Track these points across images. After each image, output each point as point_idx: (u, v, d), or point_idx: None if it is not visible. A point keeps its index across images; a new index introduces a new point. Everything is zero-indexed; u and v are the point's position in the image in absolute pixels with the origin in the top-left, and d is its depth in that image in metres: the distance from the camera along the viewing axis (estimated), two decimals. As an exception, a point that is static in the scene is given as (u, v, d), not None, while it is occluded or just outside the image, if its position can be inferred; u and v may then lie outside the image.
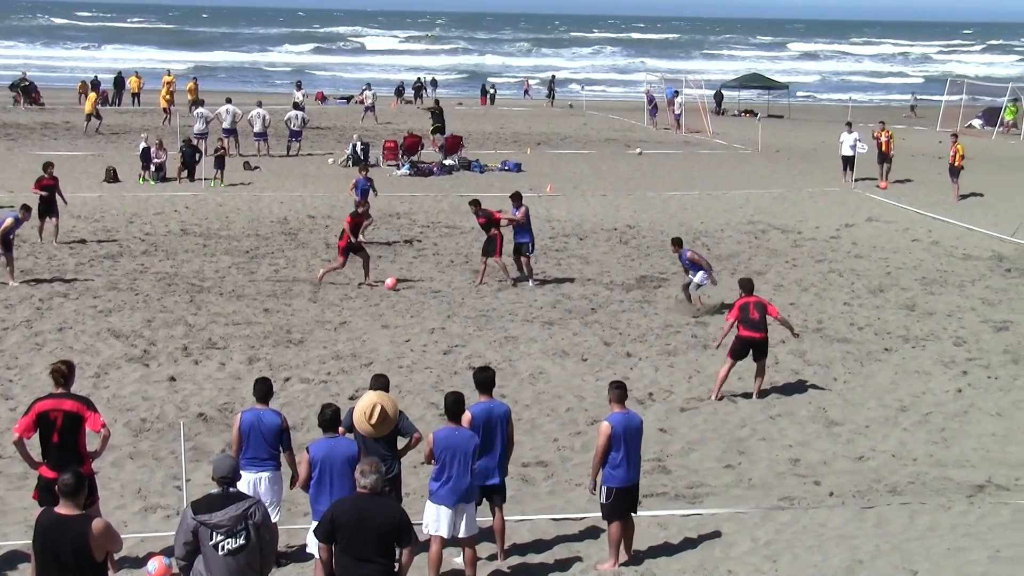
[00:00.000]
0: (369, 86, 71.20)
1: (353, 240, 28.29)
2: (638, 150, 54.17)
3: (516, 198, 29.13)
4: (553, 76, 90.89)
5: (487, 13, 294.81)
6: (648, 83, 78.01)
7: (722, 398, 21.09)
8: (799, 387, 21.84)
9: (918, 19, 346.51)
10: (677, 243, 27.31)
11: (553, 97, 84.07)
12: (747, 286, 21.77)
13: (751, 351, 21.21)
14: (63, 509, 10.32)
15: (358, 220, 28.82)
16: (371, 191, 33.27)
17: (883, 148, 45.67)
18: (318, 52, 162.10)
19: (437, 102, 59.62)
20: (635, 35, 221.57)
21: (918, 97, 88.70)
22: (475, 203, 29.46)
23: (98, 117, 56.09)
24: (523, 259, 29.12)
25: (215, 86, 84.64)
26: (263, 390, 14.26)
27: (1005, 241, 35.36)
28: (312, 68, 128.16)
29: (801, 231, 36.44)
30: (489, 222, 28.79)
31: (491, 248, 28.66)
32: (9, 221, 27.33)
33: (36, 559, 10.60)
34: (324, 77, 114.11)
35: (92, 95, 58.77)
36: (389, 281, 28.23)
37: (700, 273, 26.62)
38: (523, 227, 28.88)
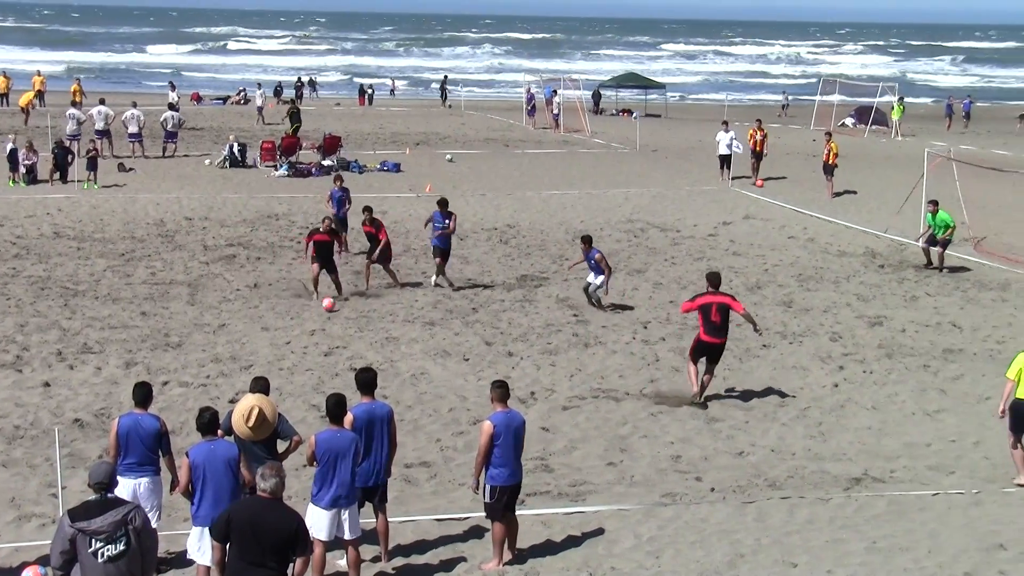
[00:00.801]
0: (260, 86, 70.82)
1: (315, 257, 26.81)
2: (448, 156, 51.80)
3: (443, 204, 28.82)
4: (445, 76, 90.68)
5: (364, 13, 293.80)
6: (527, 83, 78.23)
7: (705, 402, 20.90)
8: (679, 383, 21.99)
9: (792, 19, 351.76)
10: (587, 241, 26.88)
11: (446, 97, 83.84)
12: (714, 280, 21.07)
13: (707, 354, 20.92)
14: None
15: (324, 238, 26.81)
16: (346, 201, 31.88)
17: (757, 147, 46.23)
18: (193, 52, 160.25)
19: (293, 102, 59.29)
20: (512, 35, 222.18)
21: (789, 97, 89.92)
22: (368, 210, 28.64)
23: None
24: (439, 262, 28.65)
25: (87, 87, 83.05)
26: (142, 394, 14.03)
27: (878, 237, 35.99)
28: (186, 68, 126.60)
29: (679, 229, 36.76)
30: (376, 234, 28.17)
31: (384, 255, 28.26)
32: None
33: None
34: (200, 77, 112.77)
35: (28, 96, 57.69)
36: (326, 302, 26.47)
37: (600, 277, 26.50)
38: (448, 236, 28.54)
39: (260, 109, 65.36)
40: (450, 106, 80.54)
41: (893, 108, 69.38)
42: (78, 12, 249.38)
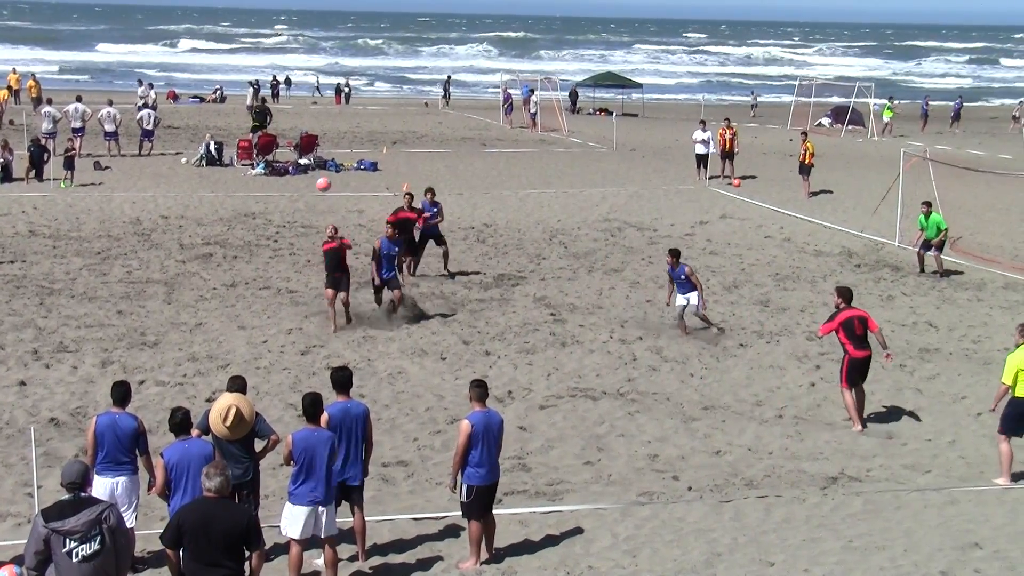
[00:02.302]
0: (249, 83, 70.86)
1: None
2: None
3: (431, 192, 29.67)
4: (449, 76, 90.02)
5: (339, 11, 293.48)
6: (504, 82, 78.17)
7: (865, 425, 20.06)
8: (656, 383, 22.03)
9: (770, 19, 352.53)
10: (676, 255, 24.98)
11: (448, 97, 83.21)
12: (848, 295, 20.27)
13: (861, 371, 20.08)
14: None
15: (331, 245, 24.51)
16: (439, 216, 29.71)
17: (727, 146, 46.20)
18: (169, 51, 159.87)
19: (264, 101, 59.17)
20: (489, 34, 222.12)
21: (758, 96, 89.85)
22: (410, 196, 28.99)
23: None
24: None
25: (66, 85, 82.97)
26: (120, 393, 14.00)
27: (855, 237, 36.06)
28: (164, 67, 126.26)
29: (656, 228, 36.78)
30: (416, 220, 28.70)
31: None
32: None
33: None
34: (177, 76, 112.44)
35: (3, 92, 57.64)
36: (321, 181, 25.50)
37: (694, 295, 24.71)
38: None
39: (250, 108, 65.64)
40: (426, 104, 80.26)
41: (884, 108, 69.40)
42: (51, 9, 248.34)
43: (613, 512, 16.21)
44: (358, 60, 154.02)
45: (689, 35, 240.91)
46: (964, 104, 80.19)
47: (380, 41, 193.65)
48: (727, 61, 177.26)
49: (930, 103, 78.52)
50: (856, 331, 19.87)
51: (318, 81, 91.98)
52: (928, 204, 31.60)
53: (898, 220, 34.88)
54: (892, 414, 20.78)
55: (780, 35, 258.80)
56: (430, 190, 30.27)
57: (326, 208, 37.71)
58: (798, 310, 27.46)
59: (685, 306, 24.97)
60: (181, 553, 11.04)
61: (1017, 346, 17.61)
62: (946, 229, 31.29)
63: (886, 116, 68.67)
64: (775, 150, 57.64)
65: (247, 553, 11.08)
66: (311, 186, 42.22)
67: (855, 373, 20.03)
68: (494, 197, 41.49)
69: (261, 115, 52.69)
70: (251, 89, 68.32)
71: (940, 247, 31.32)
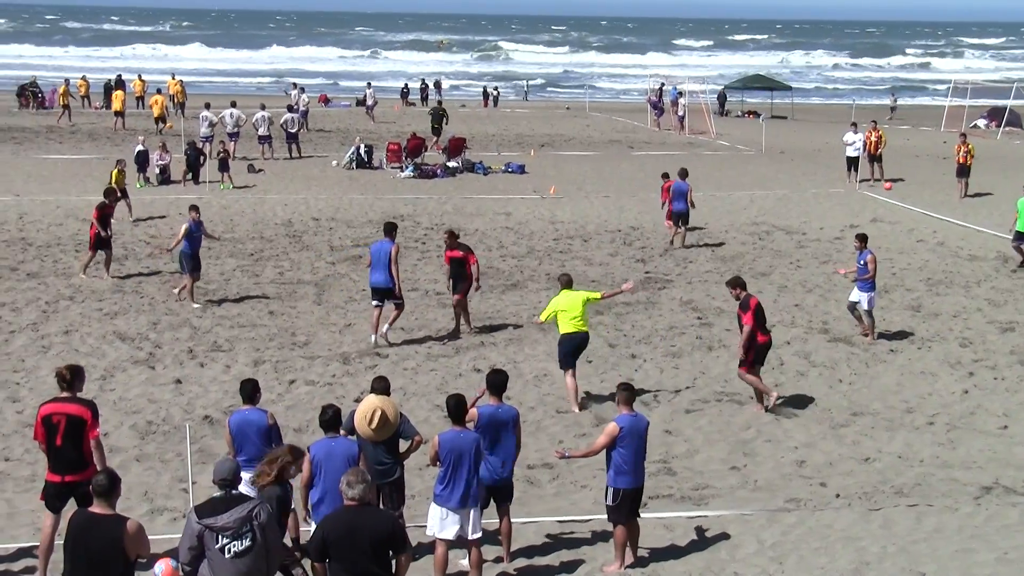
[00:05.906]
0: (369, 84, 71.50)
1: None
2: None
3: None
4: (663, 84, 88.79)
5: (484, 16, 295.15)
6: (649, 89, 77.81)
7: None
8: (804, 388, 21.79)
9: (922, 19, 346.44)
10: (863, 239, 24.94)
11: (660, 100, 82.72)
12: (744, 283, 20.87)
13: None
14: (97, 509, 10.49)
15: (455, 253, 24.24)
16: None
17: (871, 148, 45.46)
18: (329, 56, 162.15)
19: (440, 103, 59.79)
20: (631, 39, 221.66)
21: (898, 100, 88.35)
22: (451, 234, 24.75)
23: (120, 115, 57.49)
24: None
25: (229, 90, 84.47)
26: (248, 391, 14.32)
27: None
28: (320, 73, 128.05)
29: (805, 232, 36.38)
30: (463, 260, 24.32)
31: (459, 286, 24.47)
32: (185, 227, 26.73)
33: (66, 558, 10.62)
34: (331, 82, 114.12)
35: (120, 94, 59.82)
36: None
37: (867, 297, 24.51)
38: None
39: (370, 108, 66.54)
40: (568, 108, 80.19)
41: None
42: (215, 13, 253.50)
43: (759, 518, 16.09)
44: (491, 65, 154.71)
45: (839, 37, 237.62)
46: None
47: (522, 45, 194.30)
48: (884, 65, 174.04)
49: None
50: (762, 316, 20.37)
51: (437, 83, 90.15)
52: None
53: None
54: (1048, 423, 20.30)
55: (935, 36, 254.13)
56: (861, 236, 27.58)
57: (474, 211, 37.94)
58: (951, 316, 26.95)
59: (856, 303, 24.85)
60: (327, 564, 11.01)
61: (559, 292, 20.46)
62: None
63: None
64: (927, 152, 56.60)
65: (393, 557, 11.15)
66: (459, 189, 42.63)
67: (761, 356, 20.55)
68: (641, 200, 41.37)
69: (438, 117, 53.69)
70: (368, 90, 69.38)
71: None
